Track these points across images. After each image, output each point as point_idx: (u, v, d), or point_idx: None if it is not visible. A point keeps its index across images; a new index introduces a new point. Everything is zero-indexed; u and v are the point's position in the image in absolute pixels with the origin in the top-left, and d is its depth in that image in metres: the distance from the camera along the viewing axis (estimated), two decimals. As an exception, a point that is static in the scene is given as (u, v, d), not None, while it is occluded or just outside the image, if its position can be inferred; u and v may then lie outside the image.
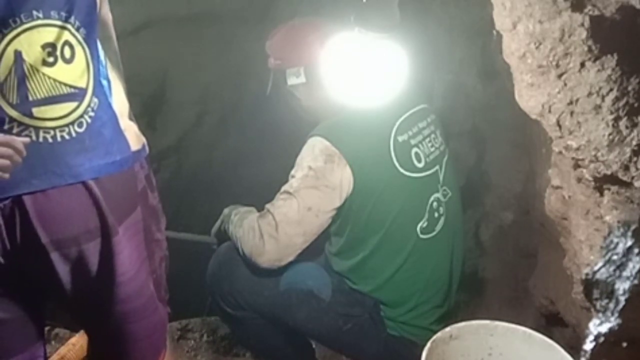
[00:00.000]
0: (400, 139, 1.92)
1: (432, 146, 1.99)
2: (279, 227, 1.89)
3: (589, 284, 1.37)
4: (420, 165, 1.95)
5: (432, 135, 2.01)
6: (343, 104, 1.74)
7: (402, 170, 1.91)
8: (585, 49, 1.19)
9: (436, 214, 1.98)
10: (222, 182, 3.71)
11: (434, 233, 1.98)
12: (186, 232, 2.58)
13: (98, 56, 1.44)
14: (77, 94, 1.39)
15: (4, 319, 1.49)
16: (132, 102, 1.59)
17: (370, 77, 1.57)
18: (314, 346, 2.29)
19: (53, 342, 2.34)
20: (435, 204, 1.97)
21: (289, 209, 1.89)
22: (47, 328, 2.32)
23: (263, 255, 1.93)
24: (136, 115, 1.60)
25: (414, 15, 2.33)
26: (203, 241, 2.39)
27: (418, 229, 1.94)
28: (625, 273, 1.29)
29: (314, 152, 1.89)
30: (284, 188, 1.93)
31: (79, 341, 2.13)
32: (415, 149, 1.95)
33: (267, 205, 1.95)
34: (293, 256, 1.95)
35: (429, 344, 1.48)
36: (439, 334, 1.51)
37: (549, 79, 1.25)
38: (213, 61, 3.57)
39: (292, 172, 1.93)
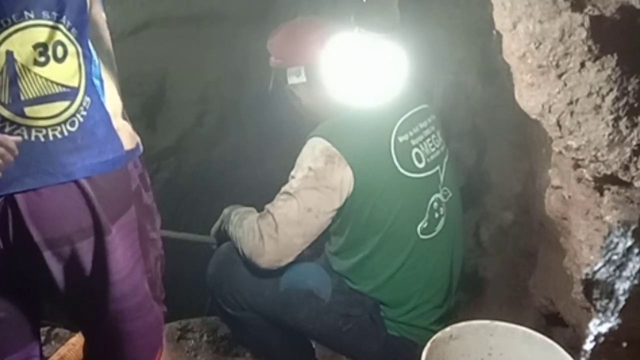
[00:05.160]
0: (400, 139, 1.92)
1: (432, 146, 1.99)
2: (279, 228, 1.89)
3: (589, 284, 1.38)
4: (420, 166, 1.94)
5: (433, 136, 2.01)
6: (343, 104, 1.74)
7: (402, 170, 1.91)
8: (585, 49, 1.19)
9: (436, 215, 1.98)
10: (222, 182, 3.71)
11: (434, 233, 1.97)
12: (186, 232, 2.58)
13: (90, 55, 1.44)
14: (69, 93, 1.40)
15: None
16: (132, 102, 1.59)
17: (370, 77, 1.56)
18: (314, 346, 2.29)
19: (53, 342, 2.34)
20: (435, 204, 1.97)
21: (289, 210, 1.89)
22: (47, 328, 2.33)
23: (263, 255, 1.93)
24: (136, 115, 1.60)
25: (414, 15, 2.33)
26: (203, 241, 2.39)
27: (418, 229, 1.94)
28: (625, 273, 1.29)
29: (314, 152, 1.89)
30: (284, 189, 1.93)
31: (78, 341, 2.13)
32: (415, 150, 1.94)
33: (267, 206, 1.95)
34: (293, 257, 1.94)
35: (429, 344, 1.48)
36: (439, 334, 1.51)
37: (549, 79, 1.25)
38: (213, 61, 3.57)
39: (292, 172, 1.93)
